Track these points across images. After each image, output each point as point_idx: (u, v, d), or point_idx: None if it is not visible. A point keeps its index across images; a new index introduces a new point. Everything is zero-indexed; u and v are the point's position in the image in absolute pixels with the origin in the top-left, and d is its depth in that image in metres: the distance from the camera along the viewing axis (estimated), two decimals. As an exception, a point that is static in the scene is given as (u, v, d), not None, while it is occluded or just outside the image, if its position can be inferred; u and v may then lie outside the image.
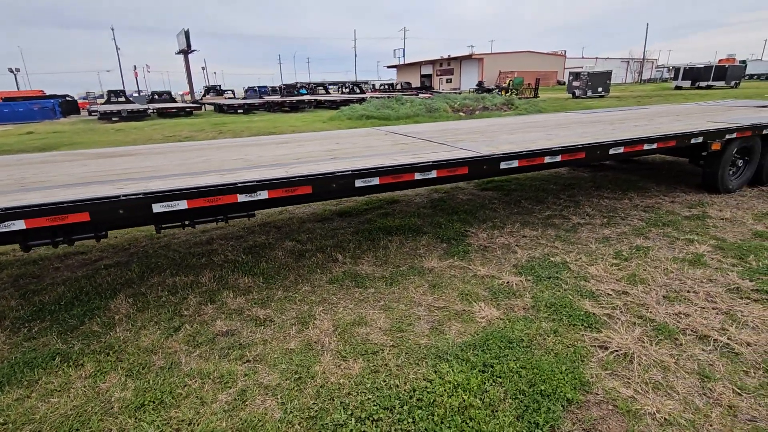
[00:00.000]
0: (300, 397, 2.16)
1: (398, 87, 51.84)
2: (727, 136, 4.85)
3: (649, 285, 3.15)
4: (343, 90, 46.54)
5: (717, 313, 2.76)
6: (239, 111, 27.47)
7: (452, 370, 2.29)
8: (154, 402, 2.15)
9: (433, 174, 3.30)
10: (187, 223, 2.79)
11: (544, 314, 2.83)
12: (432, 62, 73.32)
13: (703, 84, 40.78)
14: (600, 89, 33.59)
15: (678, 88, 42.20)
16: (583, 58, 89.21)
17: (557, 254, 3.74)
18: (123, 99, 34.37)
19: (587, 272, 3.38)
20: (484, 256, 3.78)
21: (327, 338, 2.64)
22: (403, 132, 5.20)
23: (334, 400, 2.13)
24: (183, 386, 2.26)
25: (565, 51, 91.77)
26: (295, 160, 3.46)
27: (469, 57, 64.95)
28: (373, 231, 4.45)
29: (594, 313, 2.80)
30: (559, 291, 3.12)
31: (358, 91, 41.50)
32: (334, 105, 29.39)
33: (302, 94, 41.31)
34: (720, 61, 54.02)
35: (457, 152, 3.66)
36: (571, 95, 34.75)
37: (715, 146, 4.82)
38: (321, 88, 44.45)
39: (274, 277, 3.49)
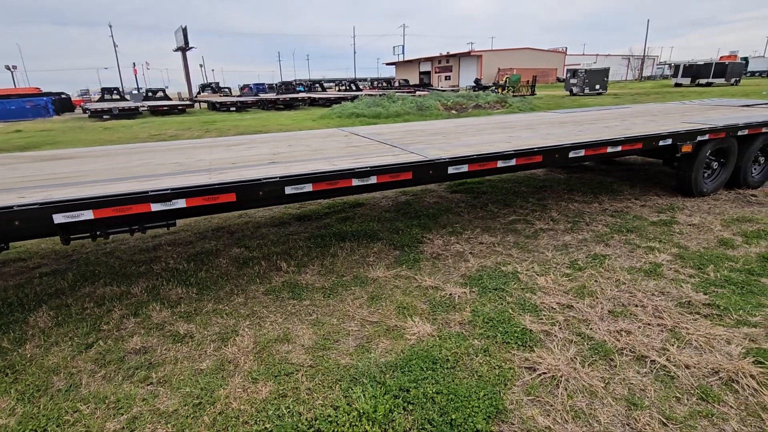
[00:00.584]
0: (194, 425, 2.01)
1: (396, 84, 51.67)
2: (699, 138, 4.66)
3: (596, 298, 2.98)
4: (340, 87, 46.38)
5: (661, 331, 2.59)
6: (232, 109, 27.26)
7: (364, 395, 2.13)
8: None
9: (373, 180, 3.14)
10: (98, 233, 2.63)
11: (480, 330, 2.66)
12: (431, 59, 72.94)
13: (703, 81, 40.42)
14: (597, 86, 33.31)
15: (678, 85, 41.86)
16: (583, 55, 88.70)
17: (510, 263, 3.58)
18: (117, 97, 34.24)
19: (536, 283, 3.22)
20: (434, 265, 3.61)
21: (243, 357, 2.48)
22: (366, 133, 5.03)
23: (228, 429, 1.98)
24: (74, 412, 2.11)
25: (566, 48, 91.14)
26: (230, 165, 3.30)
27: (467, 54, 64.57)
28: (326, 237, 4.29)
29: (531, 330, 2.63)
30: (502, 304, 2.95)
31: (354, 88, 41.39)
32: (329, 103, 29.17)
33: (299, 92, 41.19)
34: (721, 58, 53.58)
35: (405, 156, 3.50)
36: (568, 92, 34.50)
37: (686, 148, 4.63)
38: (317, 85, 44.18)
39: (210, 287, 3.34)
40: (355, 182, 3.08)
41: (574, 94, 33.28)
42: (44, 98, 30.11)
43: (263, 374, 2.33)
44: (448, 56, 68.54)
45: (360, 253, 3.92)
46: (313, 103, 30.81)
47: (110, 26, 66.22)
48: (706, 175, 5.28)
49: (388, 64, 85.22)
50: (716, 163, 5.26)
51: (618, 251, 3.75)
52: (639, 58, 73.32)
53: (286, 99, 29.03)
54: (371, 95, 25.72)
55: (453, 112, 20.41)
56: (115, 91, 35.17)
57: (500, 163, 3.61)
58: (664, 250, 3.70)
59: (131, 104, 25.93)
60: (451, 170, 3.42)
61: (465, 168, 3.47)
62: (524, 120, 6.05)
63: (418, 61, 76.02)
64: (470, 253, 3.83)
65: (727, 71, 39.84)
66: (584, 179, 6.29)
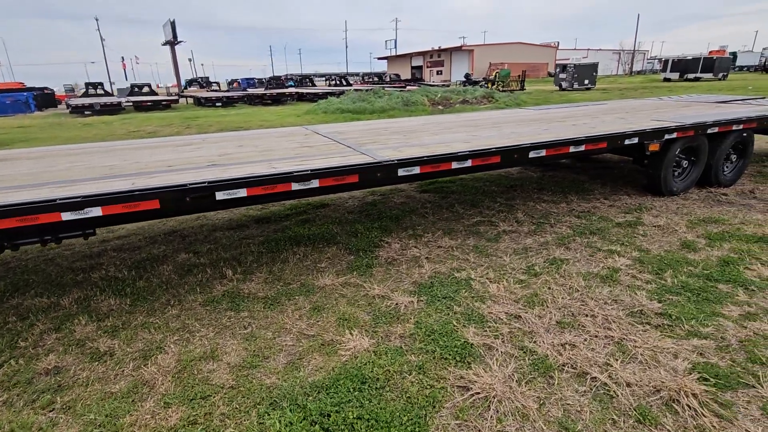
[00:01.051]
0: (89, 458, 1.84)
1: (386, 79, 51.29)
2: (667, 137, 4.54)
3: (547, 307, 2.85)
4: (330, 82, 45.92)
5: (607, 344, 2.46)
6: (218, 104, 26.89)
7: (280, 421, 1.98)
8: None
9: (315, 184, 2.97)
10: (6, 244, 2.44)
11: (419, 345, 2.52)
12: (423, 54, 72.51)
13: (691, 76, 40.61)
14: (586, 81, 33.25)
15: (667, 80, 41.99)
16: (575, 49, 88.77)
17: (465, 269, 3.43)
18: (102, 92, 33.57)
19: (487, 291, 3.08)
20: (387, 272, 3.46)
21: (161, 378, 2.32)
22: (326, 132, 4.85)
23: (125, 462, 1.82)
24: (-39, 444, 1.93)
25: (558, 42, 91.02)
26: (166, 169, 3.10)
27: (459, 48, 64.25)
28: (281, 241, 4.12)
29: (473, 344, 2.49)
30: (448, 315, 2.81)
31: (344, 83, 41.00)
32: (316, 98, 28.84)
33: (290, 87, 40.70)
34: (710, 52, 53.81)
35: (354, 158, 3.33)
36: (558, 87, 34.43)
37: (653, 147, 4.51)
38: (307, 80, 43.68)
39: (146, 298, 3.16)
40: (295, 186, 2.91)
41: (564, 89, 33.22)
42: (25, 93, 29.41)
43: (178, 398, 2.17)
44: (440, 51, 68.19)
45: (313, 258, 3.75)
46: (301, 98, 30.44)
47: (96, 19, 65.05)
48: (676, 173, 5.17)
49: (379, 58, 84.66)
50: (686, 161, 5.15)
51: (578, 255, 3.62)
52: (629, 53, 73.54)
53: (272, 94, 28.63)
54: (360, 90, 25.45)
55: (439, 107, 20.23)
56: (99, 86, 34.41)
57: (455, 165, 3.45)
58: (624, 254, 3.58)
59: (114, 100, 25.41)
60: (401, 172, 3.26)
61: (416, 170, 3.31)
62: (494, 118, 5.90)
63: (410, 56, 75.58)
64: (426, 258, 3.68)
65: (715, 66, 40.04)
66: (557, 177, 6.16)
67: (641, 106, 6.79)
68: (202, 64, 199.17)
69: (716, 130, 4.87)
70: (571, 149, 3.99)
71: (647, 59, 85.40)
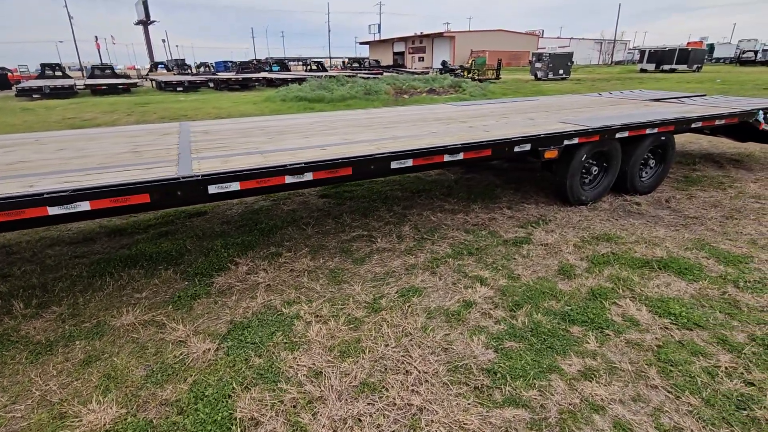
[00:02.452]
0: None
1: (366, 64, 50.16)
2: (566, 142, 4.09)
3: (360, 359, 2.38)
4: (306, 68, 44.64)
5: (400, 417, 2.00)
6: (179, 89, 25.72)
7: None
8: None
9: (85, 206, 2.41)
10: None
11: (175, 418, 2.02)
12: (405, 39, 71.24)
13: (666, 67, 40.70)
14: (561, 71, 32.92)
15: (643, 71, 41.98)
16: (559, 38, 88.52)
17: (301, 302, 2.94)
18: (60, 73, 31.84)
19: (306, 335, 2.59)
20: (210, 305, 2.95)
21: None
22: (197, 130, 4.26)
23: None
24: None
25: (543, 31, 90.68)
26: None
27: (440, 35, 63.24)
28: (115, 261, 3.55)
29: (237, 419, 2.00)
30: (238, 370, 2.32)
31: (317, 68, 39.88)
32: (286, 83, 27.87)
33: (273, 71, 39.35)
34: (688, 44, 54.02)
35: (158, 171, 2.77)
36: (533, 77, 34.03)
37: (550, 154, 4.05)
38: (276, 65, 42.26)
39: None
40: (54, 211, 2.35)
41: (539, 79, 32.86)
42: (-31, 74, 27.74)
43: None
44: (422, 37, 67.03)
45: (135, 285, 3.21)
46: (270, 84, 29.39)
47: (62, -5, 61.75)
48: (586, 181, 4.75)
49: (361, 43, 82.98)
50: (597, 168, 4.72)
51: (440, 283, 3.16)
52: (611, 42, 73.53)
53: (238, 79, 27.52)
54: (333, 76, 24.58)
55: (404, 96, 19.62)
56: (57, 68, 32.61)
57: (288, 179, 2.93)
58: (490, 282, 3.13)
59: (66, 83, 24.03)
60: (213, 190, 2.72)
61: (235, 186, 2.77)
62: (404, 115, 5.34)
63: (392, 42, 74.19)
64: (267, 285, 3.18)
65: (689, 58, 40.19)
66: (473, 181, 5.69)
67: (569, 104, 6.34)
68: (177, 46, 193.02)
69: (626, 134, 4.44)
70: (447, 158, 3.50)
71: (628, 49, 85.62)
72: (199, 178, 2.65)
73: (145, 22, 70.12)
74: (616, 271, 3.24)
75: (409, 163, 3.35)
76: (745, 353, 2.32)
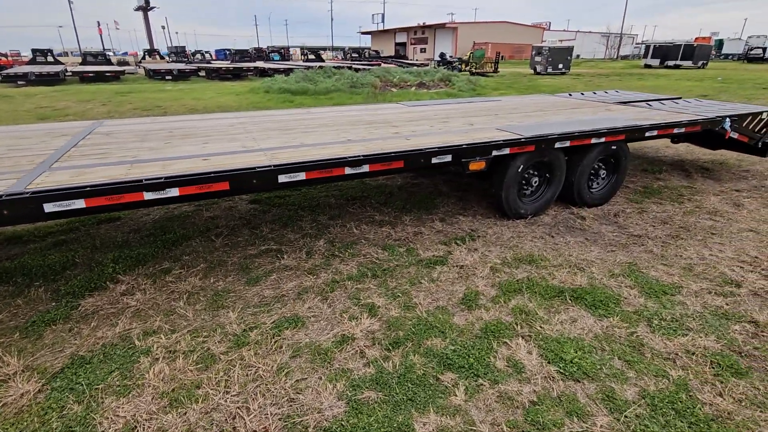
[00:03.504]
0: None
1: (365, 55, 49.52)
2: (495, 153, 3.74)
3: (187, 412, 2.08)
4: (303, 57, 44.07)
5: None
6: (167, 78, 25.37)
7: None
8: None
9: None
10: None
11: (-59, 482, 1.74)
12: (407, 30, 70.23)
13: (671, 63, 39.82)
14: (561, 66, 32.26)
15: (647, 66, 41.12)
16: (564, 31, 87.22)
17: (161, 332, 2.65)
18: (52, 59, 31.48)
19: (145, 376, 2.30)
20: (61, 333, 2.65)
21: None
22: (108, 130, 3.94)
23: None
24: None
25: (549, 23, 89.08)
26: None
27: (443, 26, 62.24)
28: (-12, 276, 3.27)
29: (7, 486, 1.73)
30: (46, 421, 2.03)
31: (315, 58, 39.32)
32: (277, 74, 27.42)
33: (274, 60, 38.91)
34: (696, 39, 52.91)
35: (-2, 185, 2.46)
36: (533, 71, 33.37)
37: (476, 165, 3.71)
38: (276, 54, 41.70)
39: None
40: None
41: (538, 73, 32.24)
42: (-41, 59, 27.44)
43: None
44: (424, 27, 66.01)
45: (-5, 306, 2.93)
46: (263, 73, 28.94)
47: (61, -21, 61.00)
48: (527, 193, 4.41)
49: (363, 33, 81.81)
50: (537, 178, 4.38)
51: (327, 311, 2.85)
52: (617, 35, 72.10)
53: (229, 68, 27.09)
54: (321, 67, 24.08)
55: (392, 90, 19.19)
56: (48, 53, 32.23)
57: (148, 195, 2.61)
58: (381, 312, 2.82)
59: (52, 69, 23.66)
60: (49, 208, 2.41)
61: (80, 204, 2.46)
62: (345, 116, 4.95)
63: (394, 32, 73.15)
64: (137, 310, 2.88)
65: (694, 54, 39.29)
66: (418, 188, 5.36)
67: (528, 106, 5.95)
68: (177, 32, 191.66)
69: (567, 143, 4.09)
70: (348, 171, 3.17)
71: (635, 44, 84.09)
72: (28, 195, 2.34)
73: (145, 8, 69.37)
74: (524, 301, 2.92)
75: (302, 176, 3.02)
76: (626, 416, 2.01)
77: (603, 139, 4.29)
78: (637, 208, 4.68)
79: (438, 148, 3.46)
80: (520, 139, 3.82)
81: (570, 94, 7.37)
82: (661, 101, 6.45)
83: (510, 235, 3.98)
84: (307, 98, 15.61)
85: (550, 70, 31.94)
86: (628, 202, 4.88)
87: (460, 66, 33.07)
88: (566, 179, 4.53)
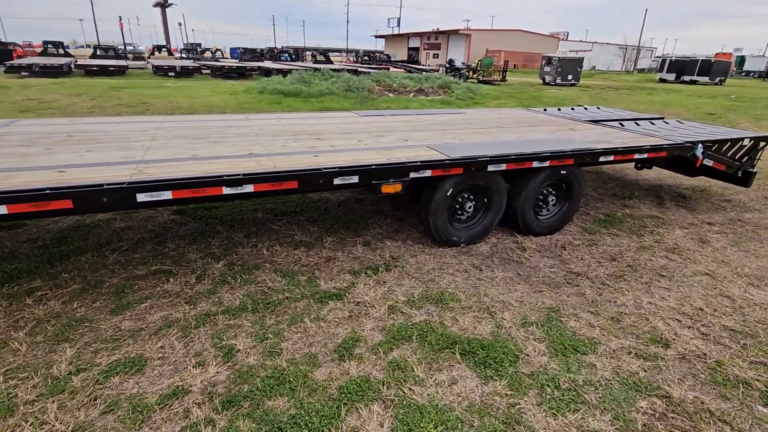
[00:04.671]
0: None
1: (378, 58, 49.46)
2: (413, 175, 3.35)
3: (-65, 481, 1.74)
4: (313, 59, 44.12)
5: None
6: (170, 74, 25.41)
7: None
8: None
9: None
10: None
11: None
12: (420, 35, 70.05)
13: (687, 78, 38.78)
14: (570, 77, 31.56)
15: (662, 80, 40.12)
16: (582, 41, 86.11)
17: (-23, 369, 2.31)
18: (62, 52, 31.88)
19: None
20: None
21: None
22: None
23: None
24: None
25: (568, 33, 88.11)
26: None
27: (456, 32, 61.86)
28: None
29: None
30: None
31: (323, 59, 39.29)
32: (283, 74, 27.33)
33: (285, 61, 39.08)
34: (716, 55, 51.59)
35: None
36: (542, 81, 32.76)
37: (390, 188, 3.31)
38: (285, 54, 41.77)
39: None
40: None
41: (547, 83, 31.64)
42: (-30, 49, 27.93)
43: None
44: (438, 33, 65.74)
45: None
46: (267, 73, 28.90)
47: (83, -26, 62.15)
48: (462, 218, 4.00)
49: (377, 36, 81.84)
50: (473, 204, 3.97)
51: (179, 353, 2.49)
52: (635, 48, 70.82)
53: (232, 67, 27.04)
54: (318, 69, 23.89)
55: (388, 95, 18.89)
56: (60, 46, 32.65)
57: (-33, 214, 2.29)
58: (237, 358, 2.45)
59: (56, 62, 23.84)
60: None
61: None
62: (276, 125, 4.56)
63: (408, 36, 73.00)
64: (-32, 338, 2.56)
65: (711, 69, 38.25)
66: (360, 205, 4.96)
67: (488, 120, 5.53)
68: (193, 30, 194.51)
69: (503, 167, 3.68)
70: (227, 191, 2.81)
71: (653, 57, 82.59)
72: None
73: (163, 4, 70.33)
74: (407, 353, 2.52)
75: (168, 196, 2.67)
76: None
77: (547, 163, 3.87)
78: (589, 240, 4.23)
79: (339, 168, 3.08)
80: (444, 160, 3.42)
81: (545, 110, 6.91)
82: (638, 121, 5.97)
83: (432, 266, 3.58)
84: (298, 100, 15.36)
85: (559, 81, 31.27)
86: (581, 232, 4.43)
87: (467, 73, 32.59)
88: (509, 205, 4.12)
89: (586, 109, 7.27)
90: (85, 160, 3.03)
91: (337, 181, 3.10)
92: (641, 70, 69.55)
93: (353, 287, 3.21)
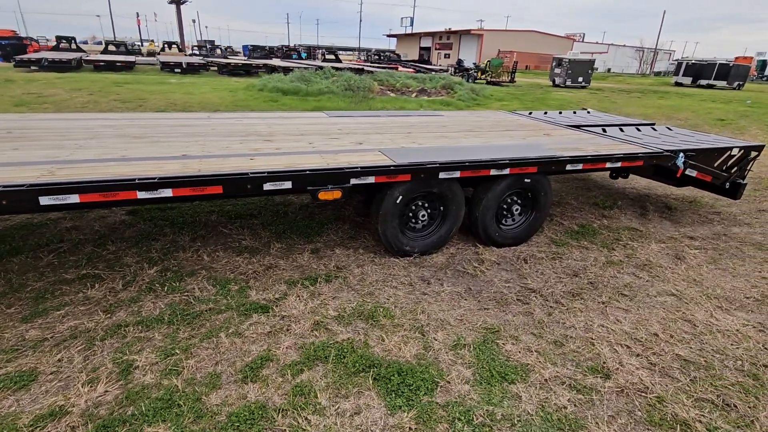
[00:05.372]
0: None
1: (389, 58, 49.40)
2: (355, 181, 3.14)
3: None
4: (322, 57, 44.15)
5: None
6: (176, 70, 25.55)
7: None
8: None
9: None
10: None
11: None
12: (432, 35, 69.58)
13: (703, 82, 37.74)
14: (580, 79, 30.91)
15: (678, 84, 39.11)
16: (597, 43, 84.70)
17: None
18: (74, 46, 32.31)
19: None
20: None
21: None
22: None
23: None
24: None
25: (584, 35, 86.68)
26: None
27: (468, 32, 61.31)
28: None
29: None
30: None
31: (333, 58, 39.27)
32: (287, 72, 27.32)
33: (300, 58, 39.27)
34: (736, 59, 50.17)
35: None
36: (551, 83, 32.19)
37: (328, 195, 3.11)
38: (294, 53, 41.85)
39: None
40: None
41: (556, 85, 31.09)
42: (-17, 43, 28.52)
43: None
44: (449, 33, 65.25)
45: None
46: (273, 71, 28.92)
47: (98, -30, 63.09)
48: (417, 227, 3.78)
49: (389, 36, 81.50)
50: (427, 212, 3.75)
51: (73, 369, 2.32)
52: (651, 50, 69.26)
53: (237, 65, 27.10)
54: (321, 68, 23.78)
55: (390, 94, 18.70)
56: (71, 41, 33.11)
57: None
58: (132, 377, 2.28)
59: (65, 56, 24.14)
60: None
61: None
62: (224, 125, 4.41)
63: (419, 36, 72.58)
64: None
65: (730, 73, 37.17)
66: (321, 208, 4.78)
67: (457, 124, 5.29)
68: (207, 27, 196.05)
69: (457, 174, 3.46)
70: (142, 195, 2.64)
71: (671, 60, 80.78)
72: None
73: (178, 1, 71.11)
74: (318, 376, 2.33)
75: (75, 199, 2.52)
76: None
77: (507, 171, 3.64)
78: (554, 253, 3.98)
79: (269, 173, 2.89)
80: (389, 166, 3.22)
81: (530, 113, 6.64)
82: (624, 127, 5.67)
83: (377, 278, 3.38)
84: (295, 99, 15.25)
85: (569, 83, 30.67)
86: (549, 244, 4.18)
87: (476, 74, 32.15)
88: (470, 214, 3.89)
89: (574, 113, 6.96)
90: (4, 159, 2.90)
91: (267, 187, 2.92)
92: (657, 73, 68.06)
93: (284, 299, 3.02)
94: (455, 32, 63.43)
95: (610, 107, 18.49)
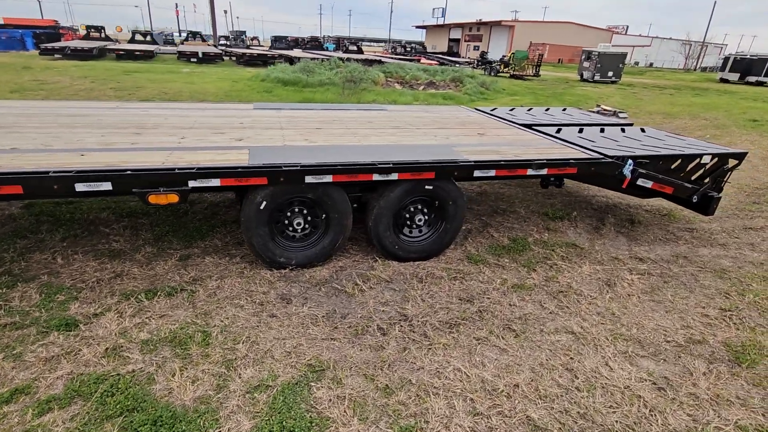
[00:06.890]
0: None
1: (409, 49, 48.61)
2: (193, 183, 2.72)
3: None
4: (342, 49, 43.86)
5: None
6: (192, 60, 25.87)
7: None
8: None
9: None
10: None
11: None
12: (462, 26, 67.75)
13: (752, 79, 34.78)
14: (610, 74, 29.10)
15: (723, 80, 36.24)
16: (640, 36, 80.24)
17: None
18: (104, 35, 33.38)
19: None
20: None
21: None
22: None
23: None
24: None
25: (627, 27, 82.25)
26: None
27: (498, 23, 59.22)
28: None
29: None
30: None
31: (355, 49, 38.93)
32: (292, 62, 27.19)
33: (326, 49, 39.28)
34: (794, 53, 46.01)
35: None
36: (579, 77, 30.55)
37: (161, 199, 2.69)
38: (315, 42, 41.67)
39: None
40: None
41: (584, 80, 29.48)
42: (20, 31, 29.84)
43: None
44: (480, 24, 63.29)
45: None
46: (291, 62, 28.83)
47: (137, -38, 65.07)
48: (296, 236, 3.34)
49: (417, 27, 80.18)
50: (304, 219, 3.28)
51: None
52: (699, 44, 64.69)
53: (252, 55, 27.14)
54: (328, 58, 23.41)
55: (396, 86, 18.15)
56: (101, 30, 34.19)
57: None
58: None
59: (86, 45, 24.88)
60: None
61: None
62: (164, 115, 4.11)
63: (449, 27, 70.86)
64: None
65: (781, 70, 34.11)
66: (229, 209, 4.41)
67: (389, 120, 4.75)
68: (238, 17, 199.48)
69: (329, 178, 2.98)
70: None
71: (722, 55, 75.31)
72: None
73: (211, -8, 72.33)
74: (63, 419, 1.95)
75: None
76: None
77: (395, 176, 3.13)
78: (459, 272, 3.43)
79: (77, 172, 2.52)
80: (237, 168, 2.79)
81: (493, 109, 5.99)
82: (585, 128, 4.96)
83: (229, 294, 2.97)
84: (291, 90, 14.98)
85: (597, 77, 28.94)
86: (461, 261, 3.64)
87: (498, 67, 30.90)
88: (362, 224, 3.42)
89: (546, 112, 6.25)
90: None
91: (81, 188, 2.56)
92: (705, 69, 63.56)
93: (103, 315, 2.67)
94: (485, 23, 61.44)
95: (632, 105, 17.16)
